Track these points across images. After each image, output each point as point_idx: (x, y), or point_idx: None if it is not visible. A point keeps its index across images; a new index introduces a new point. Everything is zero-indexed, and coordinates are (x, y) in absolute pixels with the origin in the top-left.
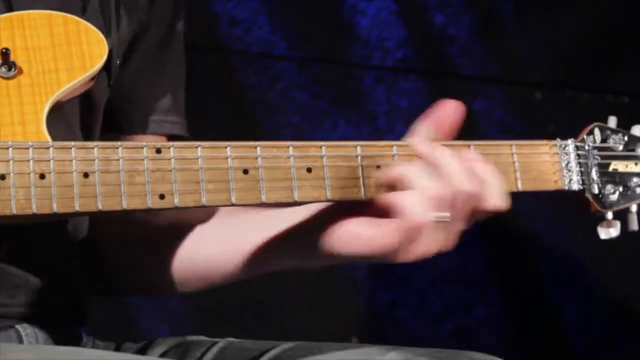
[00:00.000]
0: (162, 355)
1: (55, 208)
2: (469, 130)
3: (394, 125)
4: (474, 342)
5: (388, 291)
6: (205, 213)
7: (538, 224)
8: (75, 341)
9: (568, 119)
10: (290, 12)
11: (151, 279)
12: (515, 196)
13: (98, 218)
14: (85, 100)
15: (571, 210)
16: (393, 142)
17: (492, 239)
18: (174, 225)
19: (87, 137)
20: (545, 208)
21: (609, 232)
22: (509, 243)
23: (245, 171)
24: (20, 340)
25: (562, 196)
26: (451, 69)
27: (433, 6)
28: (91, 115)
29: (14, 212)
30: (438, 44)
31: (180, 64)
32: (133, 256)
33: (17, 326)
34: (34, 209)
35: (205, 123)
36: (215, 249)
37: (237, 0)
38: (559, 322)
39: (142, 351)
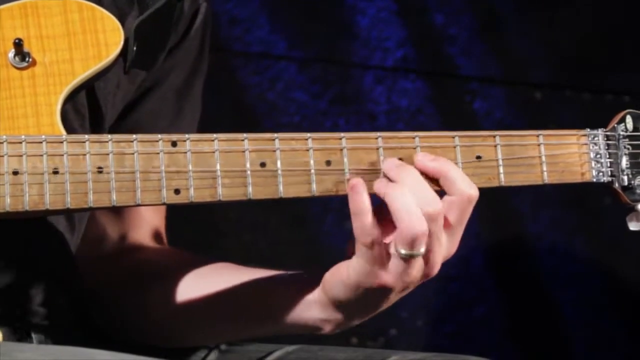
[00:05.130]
0: (164, 357)
1: (69, 204)
2: (469, 131)
3: (394, 125)
4: (474, 342)
5: None
6: (194, 265)
7: (538, 224)
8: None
9: (568, 119)
10: (290, 12)
11: (137, 326)
12: (516, 196)
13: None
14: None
15: (571, 210)
16: (415, 133)
17: (492, 239)
18: (164, 274)
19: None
20: (545, 208)
21: (639, 225)
22: (509, 243)
23: (263, 164)
24: (30, 338)
25: (563, 196)
26: (451, 69)
27: (433, 6)
28: (99, 107)
29: (27, 208)
30: (438, 44)
31: (195, 110)
32: (119, 300)
33: (29, 325)
34: (47, 204)
35: (205, 123)
36: (209, 298)
37: (237, 0)
38: (558, 322)
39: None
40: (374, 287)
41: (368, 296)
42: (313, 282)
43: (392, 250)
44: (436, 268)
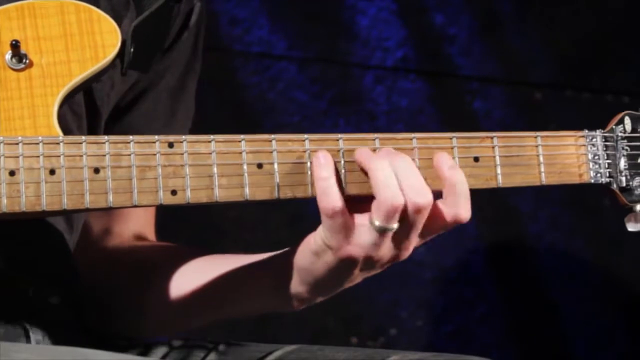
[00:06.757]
0: (162, 358)
1: (66, 205)
2: (469, 131)
3: (394, 125)
4: (474, 342)
5: (388, 290)
6: (182, 256)
7: (538, 223)
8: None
9: (568, 119)
10: (290, 12)
11: (132, 318)
12: (516, 195)
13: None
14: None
15: (571, 210)
16: (413, 134)
17: (492, 239)
18: (159, 265)
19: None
20: (545, 208)
21: (637, 226)
22: (509, 243)
23: (260, 165)
24: (28, 337)
25: (563, 196)
26: (451, 69)
27: (433, 6)
28: (96, 108)
29: (24, 209)
30: (438, 44)
31: (189, 110)
32: (116, 294)
33: (27, 325)
34: (44, 205)
35: (205, 123)
36: (194, 287)
37: (237, 0)
38: (558, 322)
39: (143, 354)
40: (339, 256)
41: (332, 266)
42: (289, 259)
43: (366, 221)
44: (407, 252)
